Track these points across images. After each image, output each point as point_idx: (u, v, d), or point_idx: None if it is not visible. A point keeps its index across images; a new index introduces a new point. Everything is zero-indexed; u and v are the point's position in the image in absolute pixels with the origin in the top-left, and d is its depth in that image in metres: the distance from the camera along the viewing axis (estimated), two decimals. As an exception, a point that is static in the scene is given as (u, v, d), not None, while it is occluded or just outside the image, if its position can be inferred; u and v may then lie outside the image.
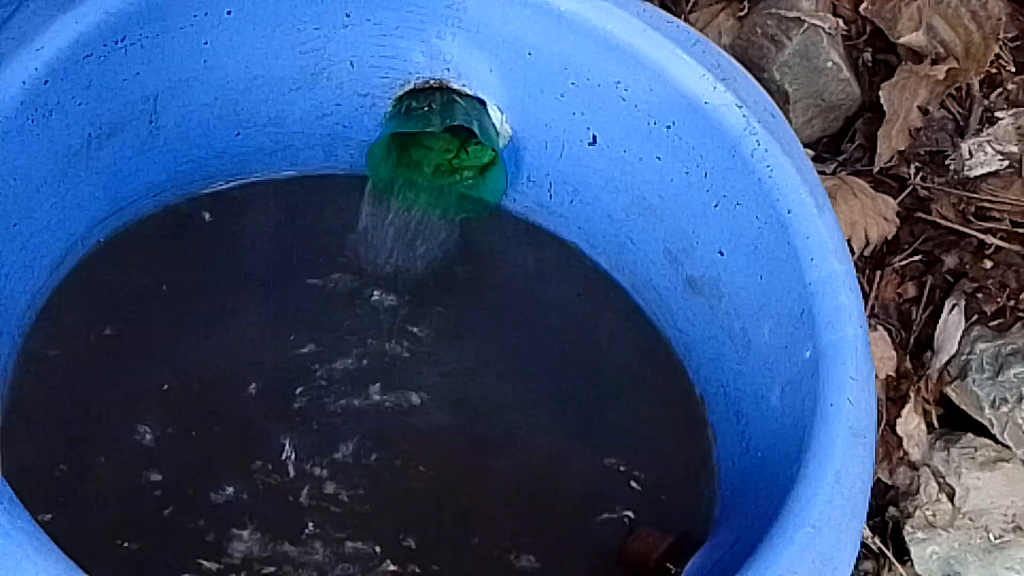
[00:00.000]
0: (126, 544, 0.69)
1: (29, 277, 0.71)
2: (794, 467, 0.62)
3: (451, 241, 0.83)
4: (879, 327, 0.84)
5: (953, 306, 0.84)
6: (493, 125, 0.80)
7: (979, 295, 0.84)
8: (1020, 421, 0.82)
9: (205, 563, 0.70)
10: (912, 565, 0.86)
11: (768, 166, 0.70)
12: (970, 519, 0.85)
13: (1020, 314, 0.83)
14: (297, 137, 0.83)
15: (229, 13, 0.73)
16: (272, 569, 0.70)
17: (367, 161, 0.83)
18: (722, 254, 0.75)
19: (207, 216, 0.82)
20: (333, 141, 0.84)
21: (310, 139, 0.83)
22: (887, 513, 0.88)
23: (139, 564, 0.69)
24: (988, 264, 0.85)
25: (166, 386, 0.75)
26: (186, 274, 0.79)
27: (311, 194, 0.85)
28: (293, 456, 0.74)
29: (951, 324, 0.84)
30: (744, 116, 0.71)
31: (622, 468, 0.77)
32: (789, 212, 0.69)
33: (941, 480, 0.85)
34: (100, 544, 0.56)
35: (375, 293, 0.81)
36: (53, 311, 0.74)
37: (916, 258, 0.87)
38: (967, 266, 0.85)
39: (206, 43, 0.74)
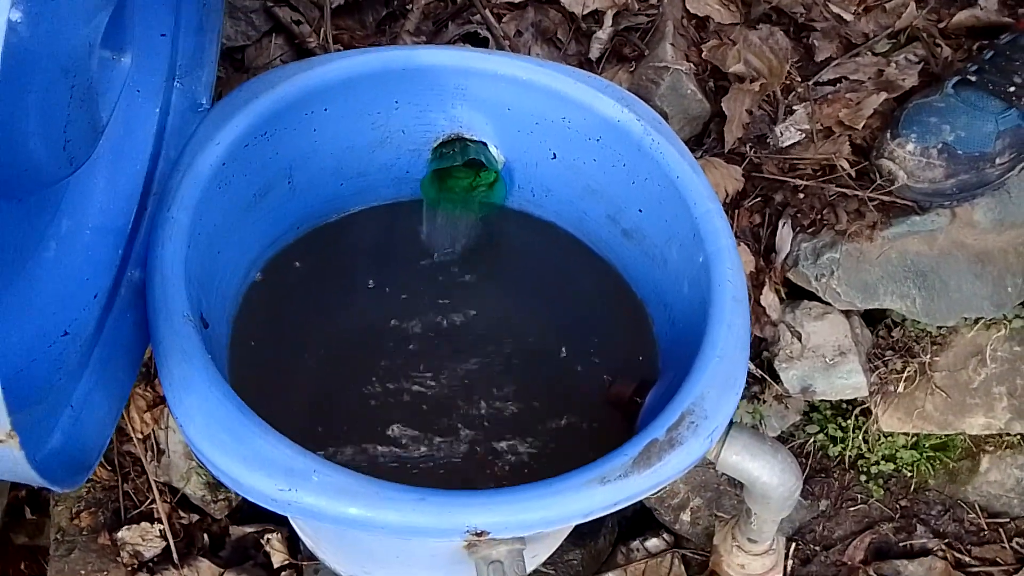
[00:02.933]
0: (308, 423, 0.68)
1: (232, 281, 0.70)
2: (702, 326, 0.61)
3: (477, 230, 0.81)
4: (742, 243, 0.82)
5: (784, 224, 0.82)
6: (493, 156, 0.78)
7: (799, 215, 0.82)
8: (834, 286, 0.80)
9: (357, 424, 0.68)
10: (782, 383, 0.84)
11: (661, 153, 0.69)
12: (812, 351, 0.83)
13: (825, 223, 0.81)
14: (377, 181, 0.79)
15: (326, 110, 0.71)
16: (401, 425, 0.69)
17: (421, 190, 0.80)
18: (641, 211, 0.73)
19: (331, 237, 0.79)
20: (399, 181, 0.80)
21: (385, 182, 0.80)
22: (763, 355, 0.86)
23: (314, 433, 0.68)
24: (801, 196, 0.83)
25: (323, 330, 0.73)
26: (323, 272, 0.77)
27: (391, 215, 0.81)
28: (406, 356, 0.73)
29: (784, 235, 0.82)
30: (642, 126, 0.70)
31: (599, 348, 0.75)
32: (677, 178, 0.68)
33: (792, 330, 0.83)
34: (295, 426, 0.54)
35: (437, 265, 0.79)
36: (247, 300, 0.72)
37: (757, 200, 0.84)
38: (789, 199, 0.83)
39: (315, 130, 0.71)
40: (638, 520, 0.97)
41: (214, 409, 0.51)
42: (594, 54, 0.88)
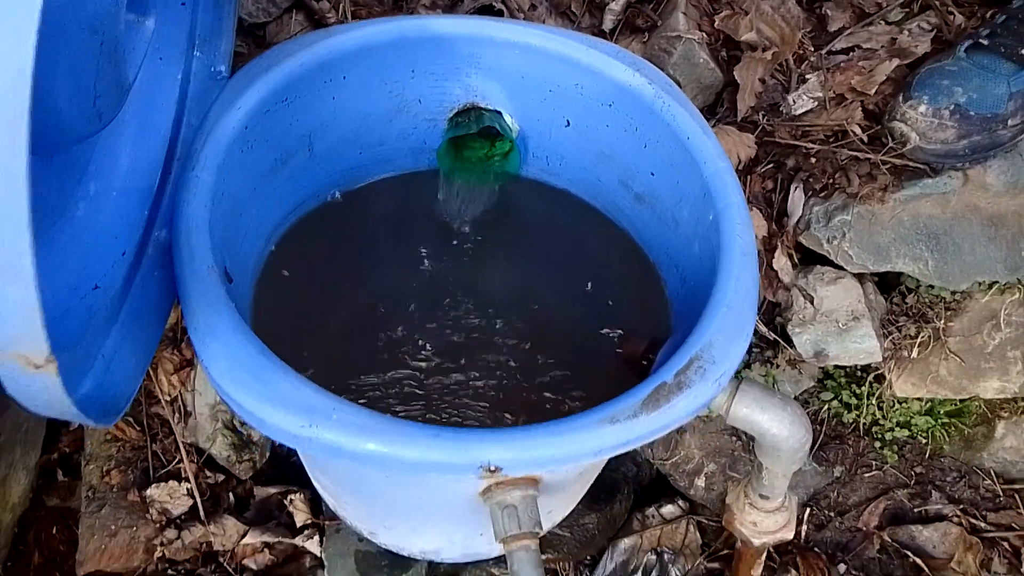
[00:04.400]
0: (327, 375, 0.67)
1: (255, 244, 0.71)
2: (712, 282, 0.62)
3: (493, 197, 0.82)
4: (754, 208, 0.83)
5: (796, 188, 0.83)
6: (508, 125, 0.79)
7: (811, 179, 0.82)
8: (846, 249, 0.81)
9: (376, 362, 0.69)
10: (795, 347, 0.85)
11: (672, 115, 0.69)
12: (825, 316, 0.84)
13: (837, 187, 0.82)
14: (395, 151, 0.81)
15: (345, 78, 0.72)
16: (421, 365, 0.71)
17: (438, 160, 0.81)
18: (653, 175, 0.74)
19: (351, 205, 0.80)
20: (416, 151, 0.81)
21: (402, 151, 0.81)
22: (776, 320, 0.86)
23: (333, 383, 0.67)
24: (813, 161, 0.83)
25: (343, 293, 0.74)
26: (343, 239, 0.78)
27: (409, 184, 0.82)
28: (423, 316, 0.74)
29: (796, 199, 0.82)
30: (654, 89, 0.70)
31: (613, 308, 0.76)
32: (688, 138, 0.68)
33: (804, 293, 0.83)
34: (314, 377, 0.55)
35: (454, 230, 0.80)
36: (269, 262, 0.73)
37: (770, 166, 0.85)
38: (801, 164, 0.83)
39: (334, 97, 0.73)
40: (654, 487, 0.98)
41: (238, 353, 0.53)
42: (607, 25, 0.89)
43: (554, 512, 0.77)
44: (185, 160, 0.64)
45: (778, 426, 0.66)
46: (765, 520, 0.77)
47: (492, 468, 0.51)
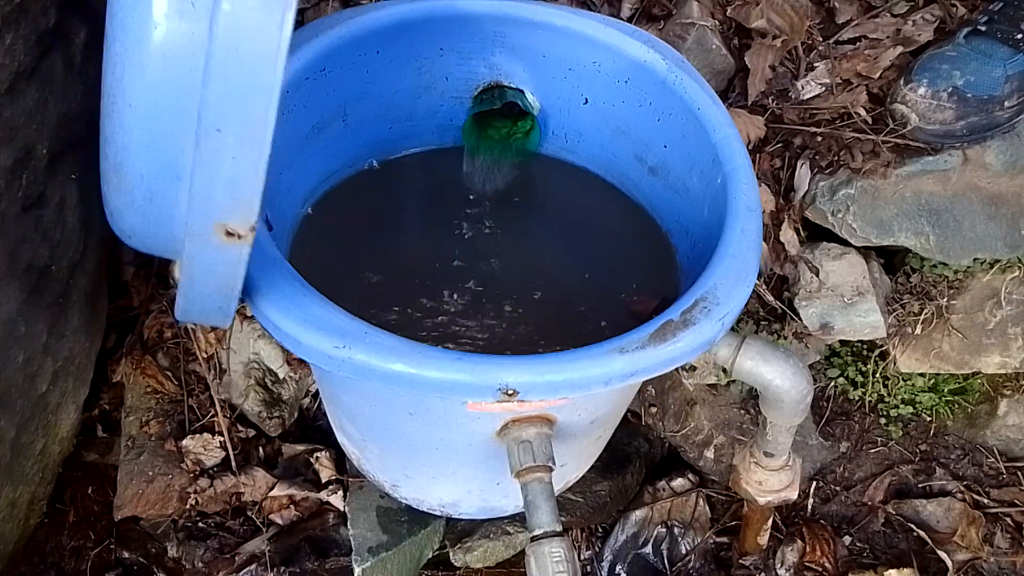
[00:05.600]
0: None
1: (292, 203, 0.76)
2: (717, 235, 0.66)
3: (513, 173, 0.85)
4: (762, 184, 0.86)
5: (802, 164, 0.86)
6: (530, 102, 0.82)
7: (817, 157, 0.86)
8: (849, 222, 0.84)
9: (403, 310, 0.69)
10: (802, 320, 0.88)
11: (684, 88, 0.73)
12: (831, 290, 0.87)
13: (841, 163, 0.86)
14: (422, 127, 0.84)
15: (378, 52, 0.76)
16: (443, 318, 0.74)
17: (462, 135, 0.85)
18: (665, 147, 0.78)
19: (380, 176, 0.84)
20: (442, 128, 0.85)
21: (429, 127, 0.85)
22: (784, 295, 0.89)
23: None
24: (819, 140, 0.87)
25: (373, 253, 0.78)
26: (371, 204, 0.82)
27: (435, 159, 0.86)
28: (449, 274, 0.78)
29: (803, 174, 0.86)
30: (667, 64, 0.75)
31: (626, 274, 0.79)
32: (698, 109, 0.72)
33: (810, 266, 0.87)
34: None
35: (476, 202, 0.84)
36: (305, 224, 0.78)
37: (778, 146, 0.89)
38: (807, 143, 0.87)
39: (367, 71, 0.77)
40: (665, 463, 1.02)
41: (279, 283, 0.58)
42: (625, 13, 0.94)
43: (567, 467, 0.81)
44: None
45: (780, 378, 0.69)
46: (770, 479, 0.80)
47: (510, 391, 0.56)
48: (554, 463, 0.64)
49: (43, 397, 0.71)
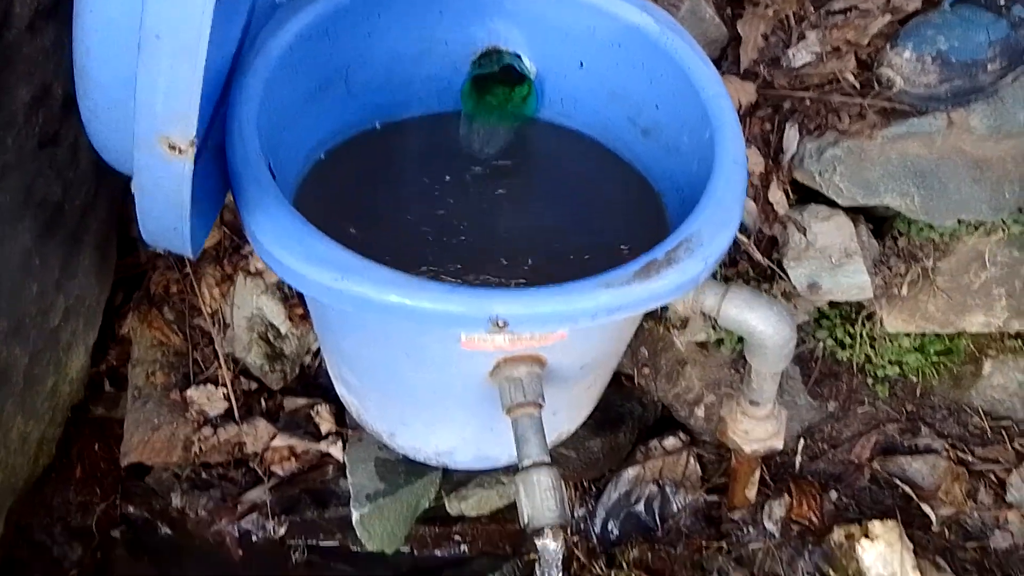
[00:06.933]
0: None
1: (295, 161, 0.79)
2: (705, 188, 0.69)
3: (510, 136, 0.88)
4: (752, 147, 0.89)
5: (791, 126, 0.89)
6: (527, 67, 0.84)
7: (805, 120, 0.89)
8: (836, 182, 0.87)
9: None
10: (790, 280, 0.90)
11: (675, 49, 0.76)
12: (819, 251, 0.89)
13: (829, 126, 0.88)
14: (422, 92, 0.87)
15: (379, 16, 0.79)
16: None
17: (461, 100, 0.87)
18: (657, 108, 0.80)
19: (380, 138, 0.86)
20: (441, 92, 0.87)
21: (429, 92, 0.87)
22: (773, 256, 0.92)
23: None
24: (808, 104, 0.89)
25: (373, 208, 0.80)
26: (373, 167, 0.84)
27: (435, 123, 0.88)
28: (445, 227, 0.80)
29: (791, 136, 0.89)
30: (659, 27, 0.77)
31: (618, 231, 0.81)
32: (689, 68, 0.75)
33: (799, 226, 0.89)
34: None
35: (474, 164, 0.86)
36: (307, 181, 0.80)
37: (769, 110, 0.91)
38: (796, 107, 0.90)
39: (369, 35, 0.79)
40: (657, 426, 1.04)
41: (281, 220, 0.61)
42: (620, -18, 0.96)
43: (559, 416, 0.83)
44: (240, 68, 0.71)
45: (764, 323, 0.72)
46: (756, 428, 0.83)
47: (500, 322, 0.59)
48: (543, 400, 0.67)
49: (55, 332, 0.74)
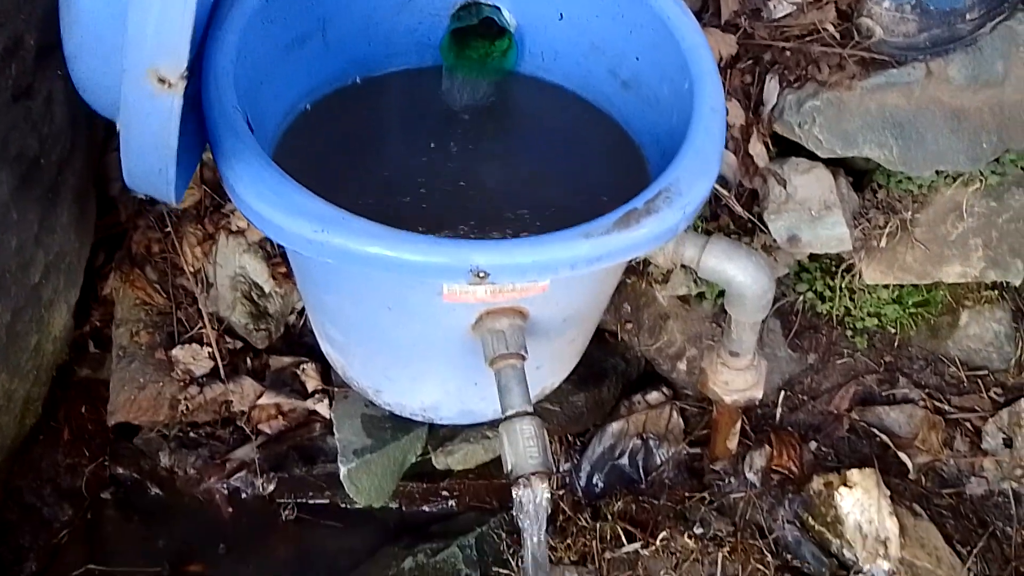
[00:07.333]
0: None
1: (274, 115, 0.78)
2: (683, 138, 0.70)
3: (491, 90, 0.87)
4: (732, 99, 0.89)
5: (771, 79, 0.89)
6: (507, 19, 0.84)
7: (786, 71, 0.89)
8: (816, 133, 0.88)
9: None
10: (771, 233, 0.91)
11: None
12: (799, 204, 0.90)
13: (809, 77, 0.88)
14: (402, 46, 0.86)
15: None
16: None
17: (440, 54, 0.86)
18: (637, 59, 0.80)
19: (360, 94, 0.85)
20: (421, 47, 0.87)
21: (408, 46, 0.86)
22: (754, 209, 0.92)
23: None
24: (788, 54, 0.90)
25: (354, 161, 0.80)
26: (352, 120, 0.84)
27: (415, 78, 0.87)
28: (428, 177, 0.80)
29: (771, 88, 0.89)
30: None
31: (603, 182, 0.82)
32: (668, 18, 0.75)
33: (779, 179, 0.89)
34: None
35: (455, 117, 0.86)
36: (287, 135, 0.80)
37: (749, 63, 0.91)
38: (777, 58, 0.90)
39: None
40: (640, 381, 1.06)
41: (259, 172, 0.61)
42: (601, -66, 0.95)
43: (543, 369, 0.84)
44: (215, 22, 0.70)
45: (743, 273, 0.73)
46: (736, 379, 0.84)
47: (481, 273, 0.59)
48: (526, 352, 0.68)
49: (36, 289, 0.74)
